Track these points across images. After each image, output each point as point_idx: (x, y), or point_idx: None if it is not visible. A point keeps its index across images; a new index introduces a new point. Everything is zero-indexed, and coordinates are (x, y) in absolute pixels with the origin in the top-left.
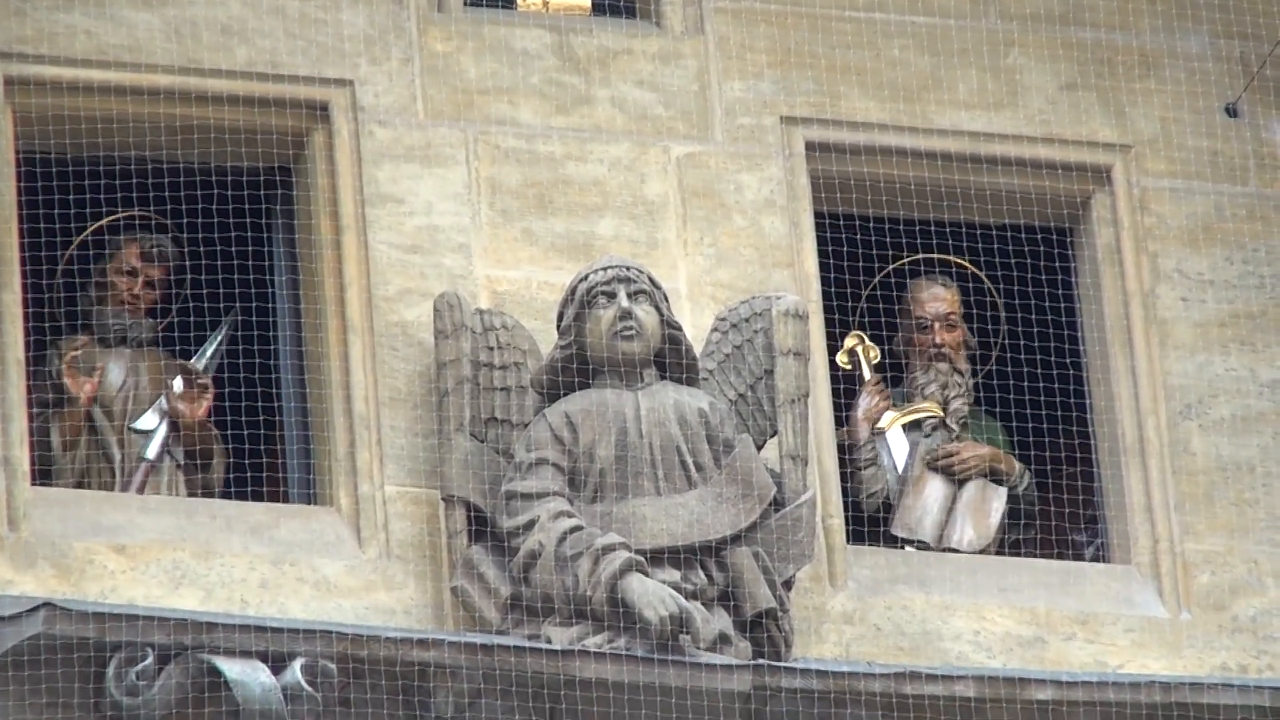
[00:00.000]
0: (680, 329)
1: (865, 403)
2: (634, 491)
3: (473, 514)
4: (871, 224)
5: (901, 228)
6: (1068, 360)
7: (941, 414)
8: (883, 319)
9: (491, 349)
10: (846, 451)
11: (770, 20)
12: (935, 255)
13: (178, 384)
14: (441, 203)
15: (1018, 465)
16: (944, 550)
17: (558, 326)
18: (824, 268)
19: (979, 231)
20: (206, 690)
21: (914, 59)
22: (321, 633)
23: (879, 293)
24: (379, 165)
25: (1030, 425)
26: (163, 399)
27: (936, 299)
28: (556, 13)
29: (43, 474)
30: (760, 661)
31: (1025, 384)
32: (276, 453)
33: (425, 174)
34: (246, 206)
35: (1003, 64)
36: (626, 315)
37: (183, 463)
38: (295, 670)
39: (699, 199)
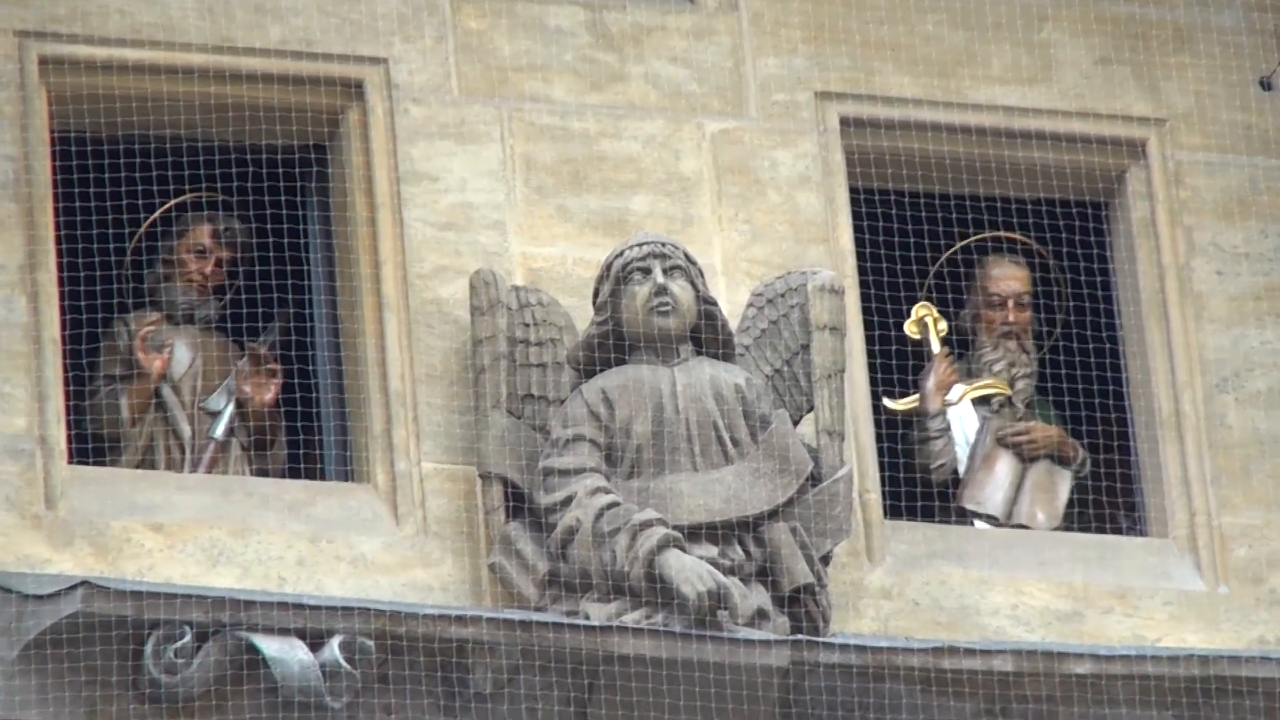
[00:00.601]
0: (716, 304)
1: (936, 374)
2: (671, 467)
3: (510, 490)
4: (906, 199)
5: (937, 202)
6: (1104, 334)
7: (1009, 392)
8: (917, 294)
9: (527, 325)
10: (917, 423)
11: None
12: (1011, 234)
13: (243, 364)
14: (476, 180)
15: (1080, 450)
16: (1015, 526)
17: (593, 303)
18: (859, 243)
19: (1014, 206)
20: (245, 668)
21: (948, 34)
22: (359, 610)
23: (915, 267)
24: (413, 143)
25: (1066, 399)
26: (230, 379)
27: (1011, 277)
28: None
29: (107, 449)
30: (798, 637)
31: (1061, 359)
32: (313, 430)
33: (460, 151)
34: (281, 185)
35: (1036, 38)
36: (662, 291)
37: (246, 442)
38: (333, 647)
39: (733, 175)
